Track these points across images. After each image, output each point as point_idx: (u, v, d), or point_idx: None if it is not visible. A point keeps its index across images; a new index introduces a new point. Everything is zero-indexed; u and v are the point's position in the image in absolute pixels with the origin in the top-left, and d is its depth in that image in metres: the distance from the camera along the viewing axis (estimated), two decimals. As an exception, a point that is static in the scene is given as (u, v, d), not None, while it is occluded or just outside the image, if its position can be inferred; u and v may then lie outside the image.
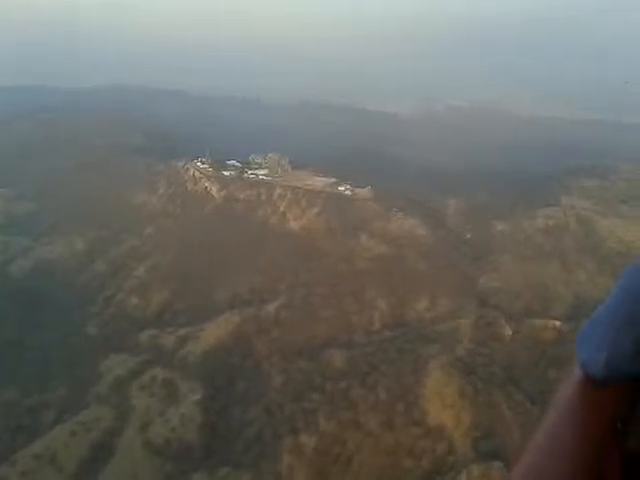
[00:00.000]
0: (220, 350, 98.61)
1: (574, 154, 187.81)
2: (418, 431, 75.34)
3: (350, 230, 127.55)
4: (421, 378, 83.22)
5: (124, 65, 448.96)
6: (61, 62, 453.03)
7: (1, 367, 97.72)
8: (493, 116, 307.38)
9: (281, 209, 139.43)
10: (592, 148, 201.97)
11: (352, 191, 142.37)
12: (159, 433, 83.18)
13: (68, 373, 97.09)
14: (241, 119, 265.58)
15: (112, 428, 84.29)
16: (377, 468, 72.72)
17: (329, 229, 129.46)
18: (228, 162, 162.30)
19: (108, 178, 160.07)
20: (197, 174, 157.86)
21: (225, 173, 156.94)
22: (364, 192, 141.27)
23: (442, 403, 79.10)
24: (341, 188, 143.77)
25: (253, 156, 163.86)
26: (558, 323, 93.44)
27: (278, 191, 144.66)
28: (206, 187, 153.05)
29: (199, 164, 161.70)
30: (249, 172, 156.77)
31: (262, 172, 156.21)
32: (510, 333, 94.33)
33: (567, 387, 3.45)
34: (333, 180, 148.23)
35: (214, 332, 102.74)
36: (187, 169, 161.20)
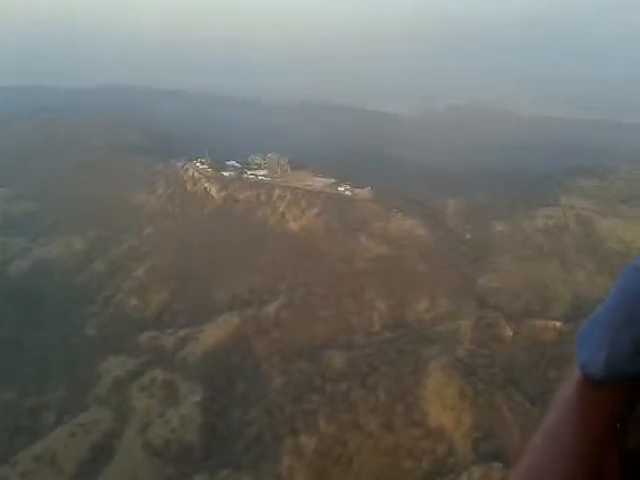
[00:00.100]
0: (220, 351, 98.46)
1: (574, 154, 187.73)
2: (418, 432, 75.23)
3: (350, 230, 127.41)
4: (421, 379, 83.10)
5: (124, 65, 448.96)
6: (61, 62, 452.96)
7: (0, 367, 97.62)
8: (493, 116, 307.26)
9: (280, 210, 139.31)
10: (592, 148, 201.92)
11: (352, 191, 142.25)
12: (159, 434, 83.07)
13: (67, 374, 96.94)
14: (241, 119, 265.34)
15: (112, 429, 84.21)
16: (377, 469, 72.61)
17: (329, 229, 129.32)
18: (227, 162, 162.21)
19: (107, 178, 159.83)
20: (196, 174, 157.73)
21: (224, 173, 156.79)
22: (364, 192, 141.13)
23: (442, 404, 78.99)
24: (341, 188, 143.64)
25: (252, 156, 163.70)
26: (558, 324, 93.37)
27: (277, 192, 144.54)
28: (205, 187, 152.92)
29: (198, 164, 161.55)
30: (248, 172, 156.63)
31: (261, 172, 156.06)
32: (510, 334, 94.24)
33: (566, 387, 3.46)
34: (332, 180, 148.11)
35: (214, 333, 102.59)
36: (186, 169, 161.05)
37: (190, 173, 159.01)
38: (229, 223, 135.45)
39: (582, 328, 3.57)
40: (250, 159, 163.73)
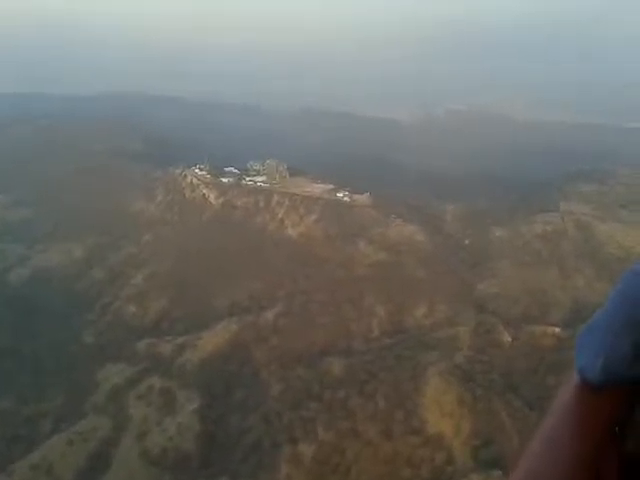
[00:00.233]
0: (218, 358, 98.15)
1: (573, 159, 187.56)
2: (417, 440, 74.83)
3: (348, 237, 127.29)
4: (420, 386, 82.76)
5: (123, 72, 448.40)
6: (60, 69, 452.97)
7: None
8: (492, 121, 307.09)
9: (279, 216, 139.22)
10: (591, 152, 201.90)
11: (350, 197, 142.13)
12: (156, 443, 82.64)
13: (65, 382, 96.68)
14: (240, 125, 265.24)
15: (109, 438, 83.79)
16: (376, 477, 72.19)
17: (327, 236, 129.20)
18: (226, 169, 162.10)
19: (106, 185, 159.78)
20: (195, 181, 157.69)
21: (223, 180, 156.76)
22: (362, 198, 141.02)
23: (441, 411, 78.63)
24: (339, 194, 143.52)
25: (251, 163, 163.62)
26: (557, 329, 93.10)
27: (276, 198, 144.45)
28: (204, 194, 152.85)
29: (197, 171, 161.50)
30: (247, 179, 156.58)
31: (260, 179, 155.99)
32: (509, 340, 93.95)
33: (564, 392, 3.47)
34: (331, 186, 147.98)
35: (212, 340, 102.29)
36: (185, 176, 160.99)
37: (188, 180, 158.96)
38: (228, 230, 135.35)
39: (581, 333, 3.60)
40: (249, 165, 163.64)
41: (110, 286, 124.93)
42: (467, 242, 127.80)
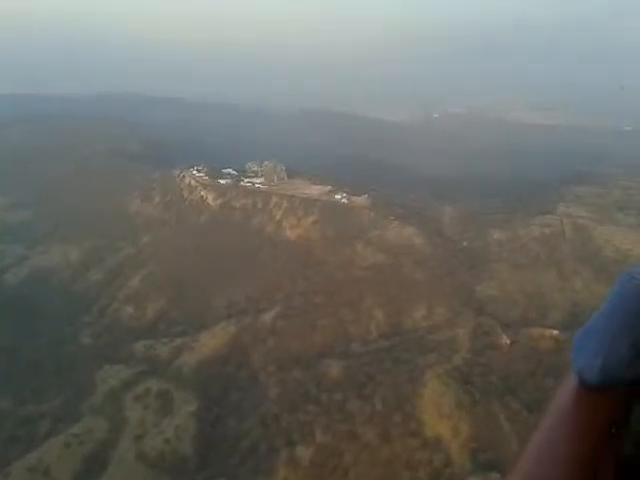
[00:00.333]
0: (216, 360, 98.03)
1: (571, 161, 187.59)
2: (415, 442, 74.66)
3: (347, 239, 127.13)
4: (418, 388, 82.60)
5: (123, 72, 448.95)
6: (59, 70, 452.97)
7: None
8: (490, 123, 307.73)
9: (277, 217, 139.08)
10: (589, 155, 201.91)
11: (348, 199, 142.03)
12: (153, 445, 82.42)
13: (62, 383, 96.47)
14: (240, 127, 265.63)
15: (106, 440, 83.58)
16: (374, 480, 72.08)
17: (325, 238, 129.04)
18: (224, 170, 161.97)
19: (104, 186, 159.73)
20: (193, 182, 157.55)
21: (221, 181, 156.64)
22: (361, 200, 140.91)
23: (439, 414, 78.49)
24: (337, 196, 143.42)
25: (249, 164, 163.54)
26: (555, 332, 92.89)
27: (274, 199, 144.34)
28: (202, 195, 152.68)
29: (195, 172, 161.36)
30: (245, 180, 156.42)
31: (258, 180, 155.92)
32: (507, 342, 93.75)
33: (562, 393, 3.54)
34: (329, 188, 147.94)
35: (209, 342, 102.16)
36: (183, 177, 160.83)
37: (187, 181, 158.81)
38: (225, 231, 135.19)
39: (577, 335, 3.68)
40: (247, 167, 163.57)
41: (108, 287, 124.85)
42: (465, 244, 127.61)
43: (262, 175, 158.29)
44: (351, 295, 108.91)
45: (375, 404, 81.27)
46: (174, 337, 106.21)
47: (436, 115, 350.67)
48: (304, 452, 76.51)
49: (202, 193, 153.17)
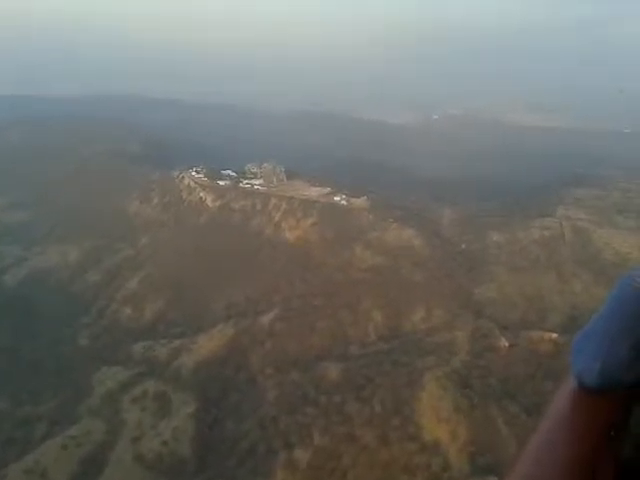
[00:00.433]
0: (214, 362, 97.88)
1: (570, 163, 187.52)
2: (413, 446, 74.45)
3: (346, 240, 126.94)
4: (416, 391, 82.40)
5: (122, 73, 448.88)
6: (58, 70, 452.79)
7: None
8: (489, 125, 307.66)
9: (276, 219, 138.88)
10: (588, 157, 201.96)
11: (347, 201, 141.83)
12: (151, 447, 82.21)
13: (60, 384, 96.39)
14: (239, 128, 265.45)
15: (103, 442, 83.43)
16: (372, 483, 71.86)
17: (324, 239, 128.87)
18: (223, 172, 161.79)
19: (103, 187, 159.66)
20: (192, 183, 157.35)
21: (220, 183, 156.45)
22: (360, 202, 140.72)
23: (437, 417, 78.32)
24: (336, 198, 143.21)
25: (249, 165, 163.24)
26: (554, 335, 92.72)
27: (273, 201, 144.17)
28: (201, 197, 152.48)
29: (194, 173, 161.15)
30: (244, 182, 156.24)
31: (257, 182, 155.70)
32: (506, 345, 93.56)
33: (561, 396, 3.54)
34: (328, 190, 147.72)
35: (208, 344, 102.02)
36: (182, 178, 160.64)
37: (186, 182, 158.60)
38: (224, 233, 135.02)
39: (577, 338, 3.70)
40: (246, 168, 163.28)
41: (106, 288, 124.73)
42: (464, 246, 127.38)
43: (261, 176, 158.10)
44: (350, 297, 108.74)
45: (373, 407, 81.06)
46: (172, 338, 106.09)
47: (435, 117, 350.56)
48: (302, 454, 76.30)
49: (201, 194, 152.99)
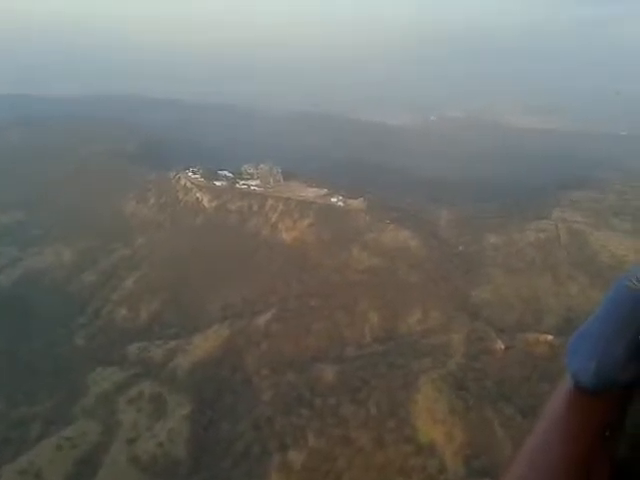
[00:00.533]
0: (209, 363, 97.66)
1: (567, 166, 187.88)
2: (409, 448, 74.37)
3: (342, 242, 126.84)
4: (412, 393, 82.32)
5: (121, 73, 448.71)
6: (59, 71, 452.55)
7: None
8: (486, 126, 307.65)
9: (273, 220, 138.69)
10: (584, 160, 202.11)
11: (344, 202, 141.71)
12: (146, 448, 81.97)
13: (55, 385, 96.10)
14: (237, 128, 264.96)
15: (98, 443, 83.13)
16: (367, 486, 71.77)
17: (321, 241, 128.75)
18: (220, 172, 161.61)
19: (99, 187, 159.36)
20: (188, 184, 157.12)
21: (217, 183, 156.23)
22: (356, 203, 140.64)
23: (433, 419, 78.27)
24: (333, 199, 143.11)
25: (245, 166, 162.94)
26: (550, 337, 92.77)
27: (270, 202, 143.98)
28: (197, 197, 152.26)
29: (191, 174, 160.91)
30: (241, 182, 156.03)
31: (254, 183, 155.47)
32: (502, 347, 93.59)
33: (557, 396, 3.56)
34: (325, 191, 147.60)
35: (204, 344, 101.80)
36: (179, 179, 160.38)
37: (182, 183, 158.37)
38: (221, 233, 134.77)
39: (572, 339, 3.71)
40: (243, 169, 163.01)
41: (102, 289, 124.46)
42: (461, 248, 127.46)
43: (258, 177, 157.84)
44: (346, 298, 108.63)
45: (369, 409, 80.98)
46: (168, 339, 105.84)
47: (432, 118, 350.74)
48: (297, 456, 76.21)
49: (197, 195, 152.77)
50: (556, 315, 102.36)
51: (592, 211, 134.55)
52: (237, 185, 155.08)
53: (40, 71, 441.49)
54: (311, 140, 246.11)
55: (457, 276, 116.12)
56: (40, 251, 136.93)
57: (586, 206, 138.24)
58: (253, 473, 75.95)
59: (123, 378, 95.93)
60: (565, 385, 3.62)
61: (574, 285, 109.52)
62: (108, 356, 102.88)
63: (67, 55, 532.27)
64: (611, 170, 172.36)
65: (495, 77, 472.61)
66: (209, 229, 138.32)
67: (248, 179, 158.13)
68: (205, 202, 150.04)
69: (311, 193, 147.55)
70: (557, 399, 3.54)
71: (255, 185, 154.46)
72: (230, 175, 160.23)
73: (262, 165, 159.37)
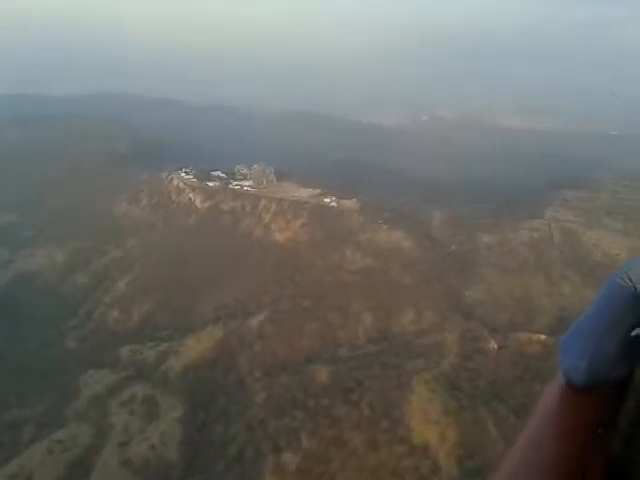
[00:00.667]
0: (202, 365, 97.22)
1: (559, 165, 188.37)
2: (402, 449, 74.28)
3: (335, 242, 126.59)
4: (406, 394, 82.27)
5: (118, 73, 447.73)
6: (56, 70, 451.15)
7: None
8: (479, 127, 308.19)
9: (266, 220, 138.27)
10: (577, 159, 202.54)
11: (337, 202, 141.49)
12: (138, 451, 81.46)
13: (47, 387, 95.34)
14: (231, 128, 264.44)
15: (90, 446, 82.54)
16: (361, 487, 71.56)
17: (314, 241, 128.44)
18: (213, 173, 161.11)
19: (92, 188, 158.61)
20: (181, 185, 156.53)
21: (209, 184, 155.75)
22: (350, 203, 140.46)
23: (427, 420, 78.20)
24: (327, 199, 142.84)
25: (238, 167, 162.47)
26: (543, 337, 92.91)
27: (263, 202, 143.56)
28: (190, 198, 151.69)
29: (183, 174, 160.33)
30: (234, 183, 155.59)
31: (247, 183, 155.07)
32: (495, 347, 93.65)
33: (549, 394, 3.53)
34: (318, 191, 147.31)
35: (196, 346, 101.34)
36: (171, 179, 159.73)
37: (175, 183, 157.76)
38: (213, 234, 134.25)
39: (564, 336, 3.68)
40: (236, 169, 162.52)
41: (94, 290, 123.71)
42: (454, 248, 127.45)
43: (251, 178, 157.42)
44: (339, 299, 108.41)
45: (362, 410, 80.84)
46: (160, 341, 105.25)
47: (425, 118, 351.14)
48: (291, 458, 75.95)
49: (190, 195, 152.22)
50: (549, 314, 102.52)
51: (584, 210, 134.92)
52: (230, 185, 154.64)
53: (39, 70, 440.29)
54: (306, 140, 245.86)
55: (450, 276, 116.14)
56: (32, 253, 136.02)
57: (579, 205, 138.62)
58: (247, 475, 75.64)
59: (115, 380, 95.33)
60: (557, 382, 3.60)
61: (567, 284, 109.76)
62: (100, 358, 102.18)
63: (65, 54, 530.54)
64: (603, 170, 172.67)
65: (493, 78, 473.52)
66: (202, 230, 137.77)
67: (241, 179, 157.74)
68: (198, 203, 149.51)
69: (304, 193, 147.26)
70: (549, 396, 3.52)
71: (248, 185, 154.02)
72: (223, 175, 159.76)
73: (255, 165, 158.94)
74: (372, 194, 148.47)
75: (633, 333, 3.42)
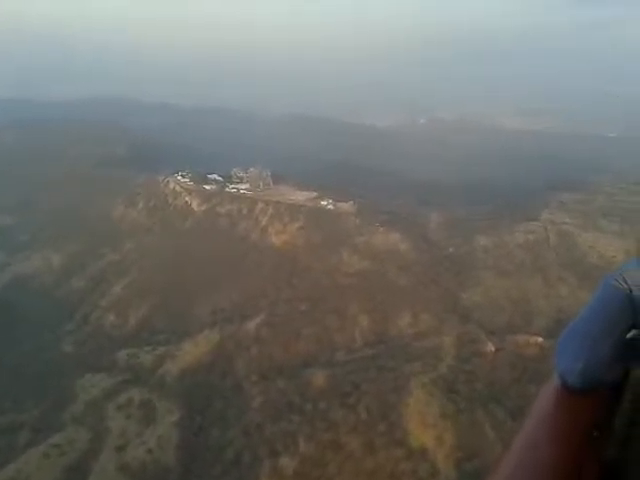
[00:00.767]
0: (199, 369, 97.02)
1: (555, 167, 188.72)
2: (400, 452, 74.10)
3: (332, 245, 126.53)
4: (403, 397, 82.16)
5: (116, 76, 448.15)
6: (53, 74, 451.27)
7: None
8: (476, 129, 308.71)
9: (262, 224, 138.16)
10: (573, 161, 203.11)
11: (334, 205, 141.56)
12: (135, 455, 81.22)
13: (43, 392, 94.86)
14: (227, 131, 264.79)
15: (87, 450, 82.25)
16: (358, 491, 71.41)
17: (311, 244, 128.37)
18: (209, 176, 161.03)
19: (88, 191, 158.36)
20: (178, 188, 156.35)
21: (206, 187, 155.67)
22: (346, 206, 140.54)
23: (424, 423, 78.07)
24: (323, 202, 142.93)
25: (235, 170, 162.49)
26: (540, 339, 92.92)
27: (260, 205, 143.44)
28: (187, 201, 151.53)
29: (180, 178, 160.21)
30: (230, 186, 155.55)
31: (244, 186, 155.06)
32: (492, 349, 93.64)
33: (544, 396, 3.51)
34: (315, 194, 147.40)
35: (193, 350, 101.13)
36: (168, 182, 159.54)
37: (171, 186, 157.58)
38: (210, 237, 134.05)
39: (560, 338, 3.65)
40: (232, 173, 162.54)
41: (91, 294, 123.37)
42: (451, 250, 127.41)
43: (247, 181, 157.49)
44: (336, 302, 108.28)
45: (360, 413, 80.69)
46: (157, 345, 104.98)
47: (422, 121, 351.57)
48: (288, 462, 75.72)
49: (187, 199, 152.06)
50: (546, 317, 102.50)
51: (581, 212, 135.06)
52: (226, 189, 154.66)
53: (34, 74, 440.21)
54: (303, 143, 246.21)
55: (447, 278, 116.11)
56: (28, 256, 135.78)
57: (575, 207, 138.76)
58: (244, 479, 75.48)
59: (112, 384, 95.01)
60: (553, 384, 3.58)
61: (563, 287, 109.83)
62: (97, 362, 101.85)
63: (62, 58, 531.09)
64: (599, 172, 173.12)
65: (495, 80, 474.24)
66: (198, 233, 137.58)
67: (238, 183, 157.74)
68: (194, 206, 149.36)
69: (301, 196, 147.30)
70: (545, 398, 3.51)
71: (245, 189, 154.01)
72: (220, 179, 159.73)
73: (252, 168, 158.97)
74: (369, 196, 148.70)
75: (628, 335, 3.46)
